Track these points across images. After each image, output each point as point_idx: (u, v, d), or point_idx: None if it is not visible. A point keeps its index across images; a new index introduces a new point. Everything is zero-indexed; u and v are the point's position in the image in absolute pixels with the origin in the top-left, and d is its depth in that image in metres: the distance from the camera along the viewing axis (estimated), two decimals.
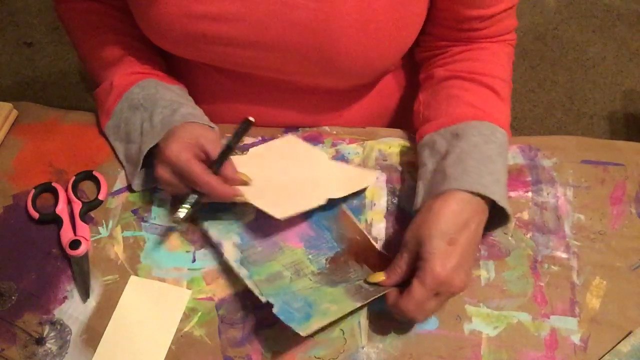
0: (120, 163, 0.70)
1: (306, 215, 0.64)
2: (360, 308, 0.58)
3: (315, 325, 0.52)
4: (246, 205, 0.62)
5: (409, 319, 0.55)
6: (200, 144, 0.60)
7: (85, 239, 0.63)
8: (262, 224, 0.63)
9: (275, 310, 0.54)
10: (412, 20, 0.65)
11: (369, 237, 0.63)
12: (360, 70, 0.65)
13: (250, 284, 0.57)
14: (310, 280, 0.59)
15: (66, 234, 0.64)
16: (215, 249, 0.63)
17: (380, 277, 0.57)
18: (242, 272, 0.59)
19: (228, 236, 0.62)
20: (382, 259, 0.61)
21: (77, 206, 0.66)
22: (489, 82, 0.66)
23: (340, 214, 0.65)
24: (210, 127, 0.65)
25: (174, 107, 0.66)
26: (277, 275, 0.59)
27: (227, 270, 0.62)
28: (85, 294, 0.61)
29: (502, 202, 0.57)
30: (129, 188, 0.69)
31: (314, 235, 0.64)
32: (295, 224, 0.64)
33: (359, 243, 0.62)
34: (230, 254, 0.60)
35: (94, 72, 0.74)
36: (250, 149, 0.71)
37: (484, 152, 0.60)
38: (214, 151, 0.60)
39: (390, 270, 0.57)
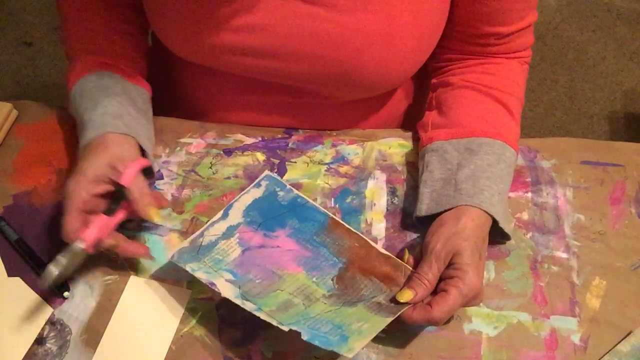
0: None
1: (295, 237, 0.62)
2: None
3: (357, 345, 0.51)
4: (228, 241, 0.60)
5: (431, 324, 0.56)
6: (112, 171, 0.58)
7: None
8: (250, 257, 0.60)
9: (305, 337, 0.51)
10: (432, 35, 0.65)
11: (367, 239, 0.61)
12: (379, 83, 0.66)
13: (263, 316, 0.53)
14: (325, 303, 0.57)
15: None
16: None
17: (409, 295, 0.55)
18: (249, 306, 0.54)
19: (218, 274, 0.58)
20: (387, 263, 0.59)
21: None
22: (502, 99, 0.66)
23: (331, 224, 0.63)
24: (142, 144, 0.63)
25: (121, 112, 0.63)
26: (288, 303, 0.56)
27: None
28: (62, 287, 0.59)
29: (503, 223, 0.60)
30: None
31: (311, 255, 0.60)
32: (287, 249, 0.61)
33: (360, 251, 0.60)
34: (228, 291, 0.56)
35: (68, 51, 0.71)
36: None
37: (495, 171, 0.62)
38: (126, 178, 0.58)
39: (418, 285, 0.55)
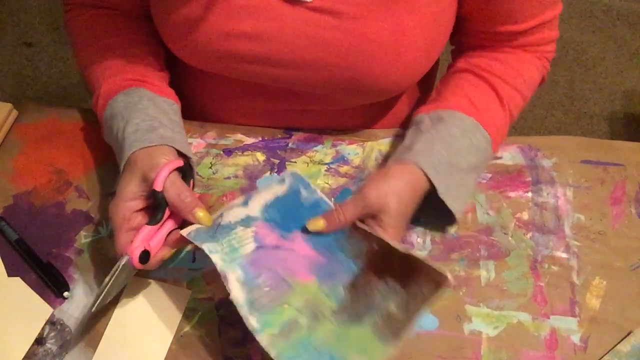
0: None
1: (312, 241, 0.59)
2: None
3: None
4: (245, 230, 0.58)
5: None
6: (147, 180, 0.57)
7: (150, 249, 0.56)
8: (263, 257, 0.57)
9: None
10: (439, 41, 0.66)
11: (390, 241, 0.58)
12: (386, 89, 0.66)
13: (263, 341, 0.51)
14: (332, 322, 0.55)
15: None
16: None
17: (320, 225, 0.58)
18: (251, 324, 0.52)
19: (231, 267, 0.54)
20: (407, 264, 0.56)
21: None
22: (495, 85, 0.66)
23: (352, 228, 0.60)
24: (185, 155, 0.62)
25: (154, 124, 0.61)
26: (293, 324, 0.54)
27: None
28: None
29: (446, 197, 0.60)
30: None
31: (325, 261, 0.58)
32: (302, 254, 0.58)
33: (378, 252, 0.58)
34: (238, 293, 0.53)
35: (89, 79, 0.70)
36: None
37: (455, 144, 0.62)
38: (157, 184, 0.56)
39: (332, 220, 0.57)
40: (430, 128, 0.63)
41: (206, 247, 0.54)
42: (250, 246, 0.57)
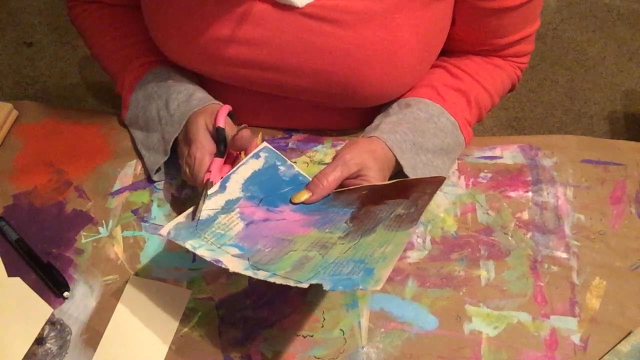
0: (134, 157, 0.70)
1: (300, 210, 0.59)
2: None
3: (384, 273, 0.46)
4: (229, 216, 0.57)
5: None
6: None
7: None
8: (255, 230, 0.56)
9: (327, 287, 0.45)
10: (433, 50, 0.67)
11: (377, 183, 0.57)
12: (380, 96, 0.67)
13: (279, 280, 0.48)
14: (342, 244, 0.52)
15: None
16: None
17: (304, 195, 0.59)
18: (262, 275, 0.49)
19: (222, 251, 0.53)
20: (398, 187, 0.55)
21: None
22: (466, 82, 0.69)
23: (335, 194, 0.60)
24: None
25: (189, 92, 0.66)
26: (303, 260, 0.51)
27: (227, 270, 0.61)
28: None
29: (412, 174, 0.63)
30: (130, 187, 0.69)
31: (320, 217, 0.57)
32: (294, 220, 0.57)
33: (370, 194, 0.57)
34: (236, 265, 0.51)
35: (109, 69, 0.75)
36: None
37: (419, 126, 0.65)
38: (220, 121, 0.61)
39: (315, 186, 0.59)
40: (397, 112, 0.67)
41: (189, 244, 0.53)
42: (239, 226, 0.57)
